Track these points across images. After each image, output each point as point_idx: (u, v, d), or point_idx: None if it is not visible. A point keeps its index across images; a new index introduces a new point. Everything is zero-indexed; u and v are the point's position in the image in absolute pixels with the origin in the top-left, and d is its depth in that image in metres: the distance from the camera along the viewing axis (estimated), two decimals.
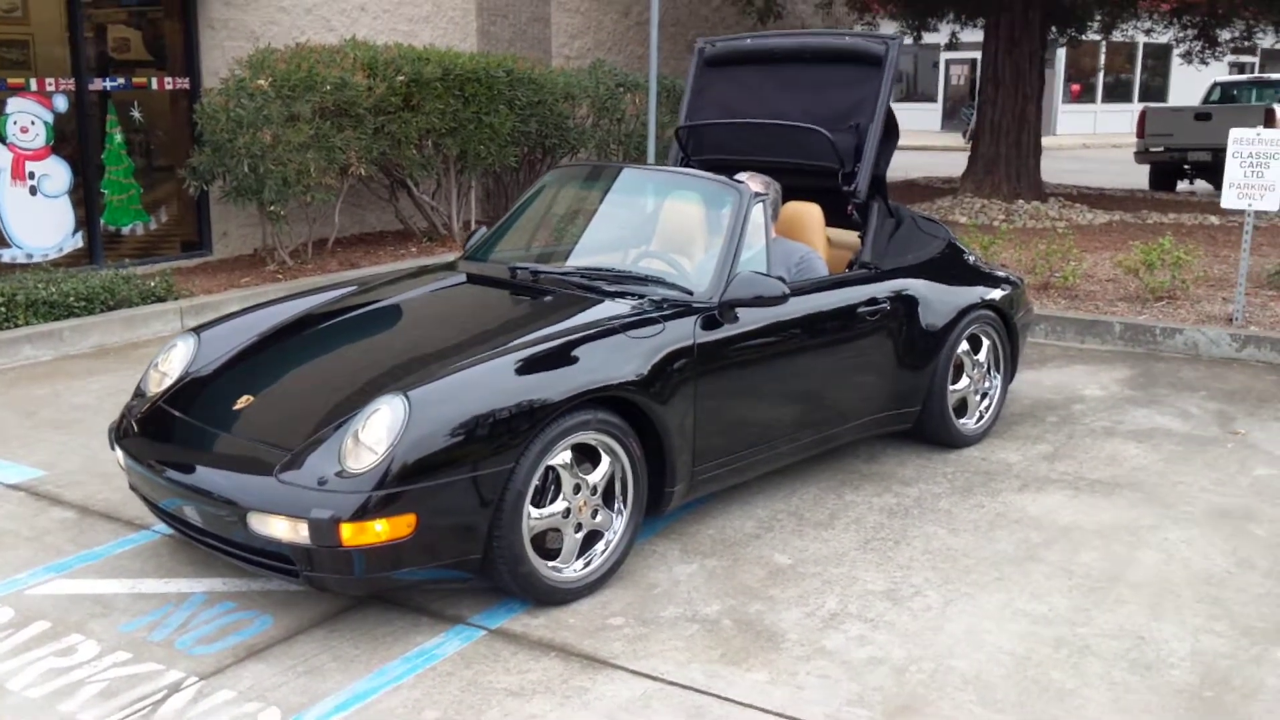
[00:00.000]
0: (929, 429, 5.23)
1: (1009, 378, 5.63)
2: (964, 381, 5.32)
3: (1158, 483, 4.94)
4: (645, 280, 4.35)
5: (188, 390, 4.06)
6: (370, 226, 11.00)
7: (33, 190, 8.38)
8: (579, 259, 4.69)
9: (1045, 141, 15.04)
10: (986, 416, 5.46)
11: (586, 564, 3.80)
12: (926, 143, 27.77)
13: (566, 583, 3.73)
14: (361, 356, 4.11)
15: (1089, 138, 30.94)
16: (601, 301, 4.19)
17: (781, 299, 4.18)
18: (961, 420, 5.32)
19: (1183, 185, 17.17)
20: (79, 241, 8.70)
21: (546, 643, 3.51)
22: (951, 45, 18.03)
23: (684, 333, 4.04)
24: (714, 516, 4.49)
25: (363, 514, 3.29)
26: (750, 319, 4.28)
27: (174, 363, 4.20)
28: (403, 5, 11.21)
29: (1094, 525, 4.47)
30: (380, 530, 3.32)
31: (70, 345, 7.01)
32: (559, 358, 3.73)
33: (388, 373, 3.80)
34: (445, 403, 3.46)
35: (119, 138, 8.91)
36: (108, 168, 8.87)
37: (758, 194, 4.53)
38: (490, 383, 3.56)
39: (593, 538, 3.84)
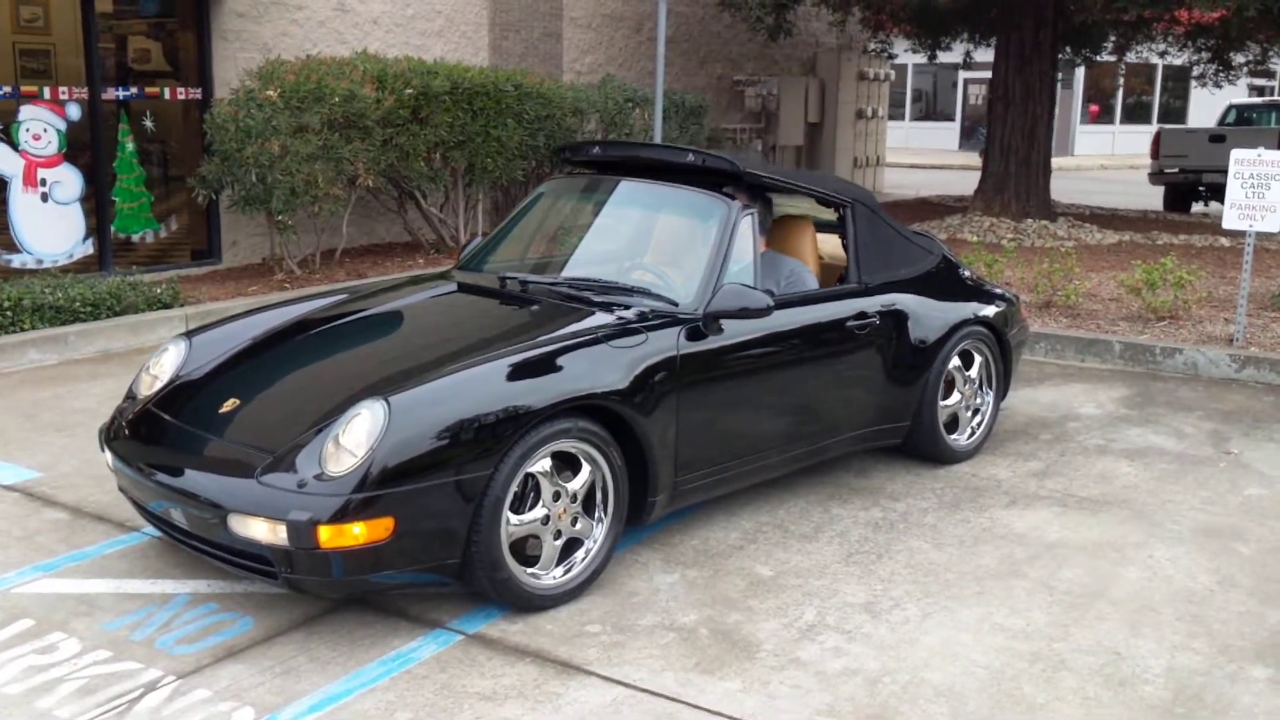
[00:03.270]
0: (919, 444, 5.23)
1: (1002, 394, 5.62)
2: (955, 397, 5.32)
3: (1147, 501, 4.93)
4: (632, 291, 4.38)
5: (177, 394, 4.10)
6: (379, 237, 11.08)
7: (44, 197, 8.48)
8: (570, 269, 4.73)
9: (1063, 162, 15.04)
10: (978, 433, 5.46)
11: (566, 571, 3.82)
12: (944, 161, 27.75)
13: (545, 589, 3.75)
14: (348, 362, 4.15)
15: (1107, 159, 30.81)
16: (588, 312, 4.22)
17: (766, 311, 4.20)
18: (952, 436, 5.32)
19: (1197, 207, 17.11)
20: (89, 248, 8.79)
21: (522, 648, 3.54)
22: (967, 65, 18.05)
23: (667, 344, 4.07)
24: (698, 527, 4.51)
25: (341, 516, 3.33)
26: (736, 331, 4.30)
27: (165, 366, 4.25)
28: (415, 19, 11.30)
29: (1080, 542, 4.47)
30: (358, 533, 3.35)
31: (75, 350, 7.08)
32: (541, 366, 3.76)
33: (373, 378, 3.83)
34: (425, 408, 3.50)
35: (131, 146, 9.01)
36: (119, 176, 8.98)
37: (746, 207, 4.56)
38: (471, 389, 3.60)
39: (572, 545, 3.86)
